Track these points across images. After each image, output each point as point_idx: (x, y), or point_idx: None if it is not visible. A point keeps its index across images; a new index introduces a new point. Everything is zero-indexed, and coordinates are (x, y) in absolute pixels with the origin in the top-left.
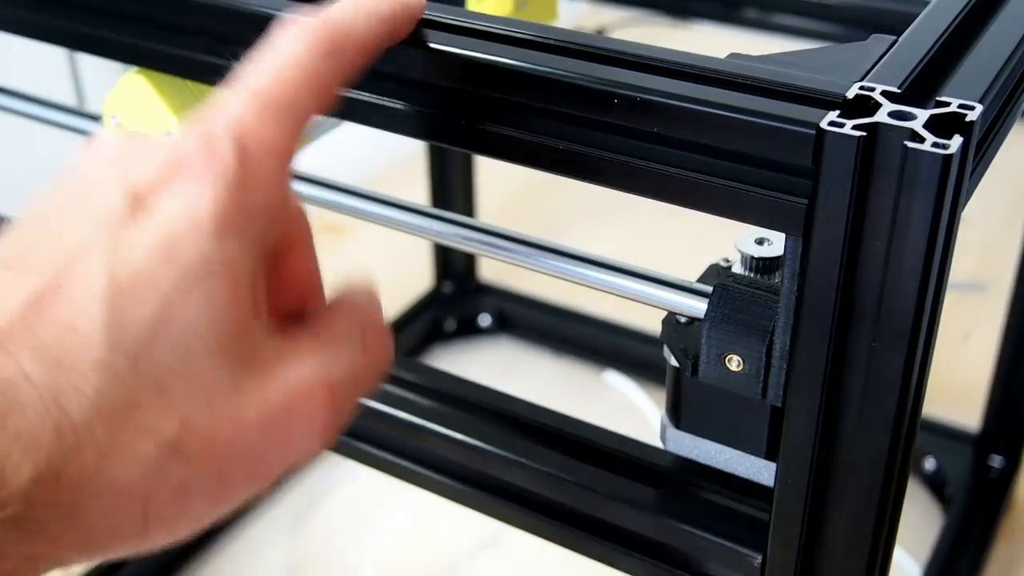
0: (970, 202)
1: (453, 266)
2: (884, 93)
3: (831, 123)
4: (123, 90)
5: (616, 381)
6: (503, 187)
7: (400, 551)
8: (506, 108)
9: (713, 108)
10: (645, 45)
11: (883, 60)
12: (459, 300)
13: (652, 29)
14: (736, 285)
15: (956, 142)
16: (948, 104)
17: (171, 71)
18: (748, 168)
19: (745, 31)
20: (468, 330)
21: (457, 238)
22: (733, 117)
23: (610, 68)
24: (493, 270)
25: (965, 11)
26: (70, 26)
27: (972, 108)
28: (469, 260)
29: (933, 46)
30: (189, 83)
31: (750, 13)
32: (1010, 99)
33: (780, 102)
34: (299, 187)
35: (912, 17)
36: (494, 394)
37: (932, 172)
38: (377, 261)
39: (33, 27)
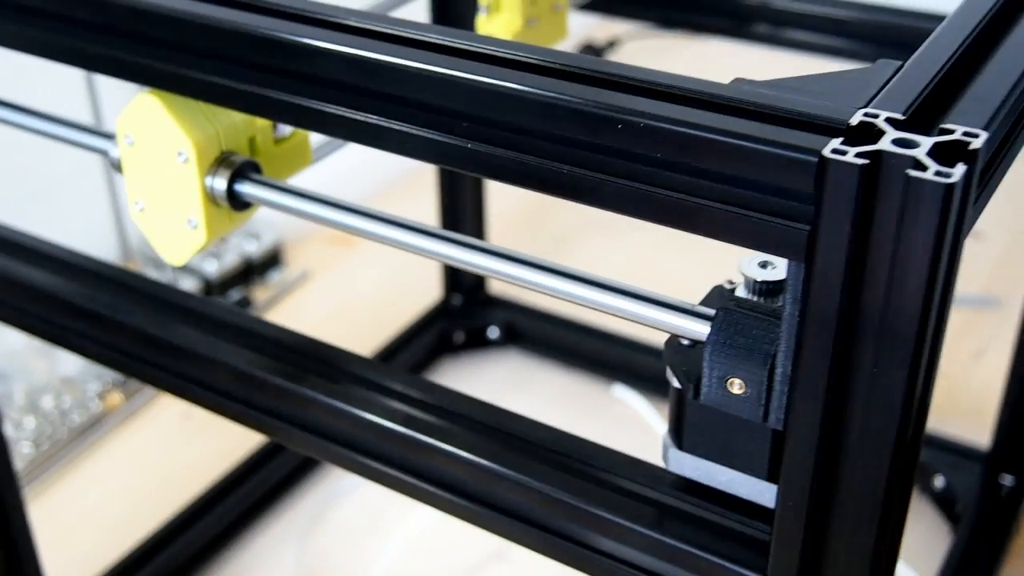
0: (985, 216)
1: (462, 279)
2: (888, 120)
3: (834, 151)
4: (136, 110)
5: (625, 395)
6: (516, 198)
7: (407, 563)
8: (510, 131)
9: (715, 135)
10: (649, 70)
11: (888, 86)
12: (468, 312)
13: (664, 42)
14: (738, 309)
15: (959, 171)
16: (952, 132)
17: (184, 93)
18: (751, 194)
19: (756, 46)
20: (477, 342)
21: (460, 260)
22: (736, 144)
23: (613, 93)
24: (502, 282)
25: (972, 36)
26: (84, 47)
27: (976, 136)
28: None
29: (939, 72)
30: (202, 105)
31: (761, 28)
32: (1016, 125)
33: (783, 129)
34: (304, 205)
35: (922, 33)
36: (497, 412)
37: (934, 201)
38: (385, 273)
39: (49, 47)
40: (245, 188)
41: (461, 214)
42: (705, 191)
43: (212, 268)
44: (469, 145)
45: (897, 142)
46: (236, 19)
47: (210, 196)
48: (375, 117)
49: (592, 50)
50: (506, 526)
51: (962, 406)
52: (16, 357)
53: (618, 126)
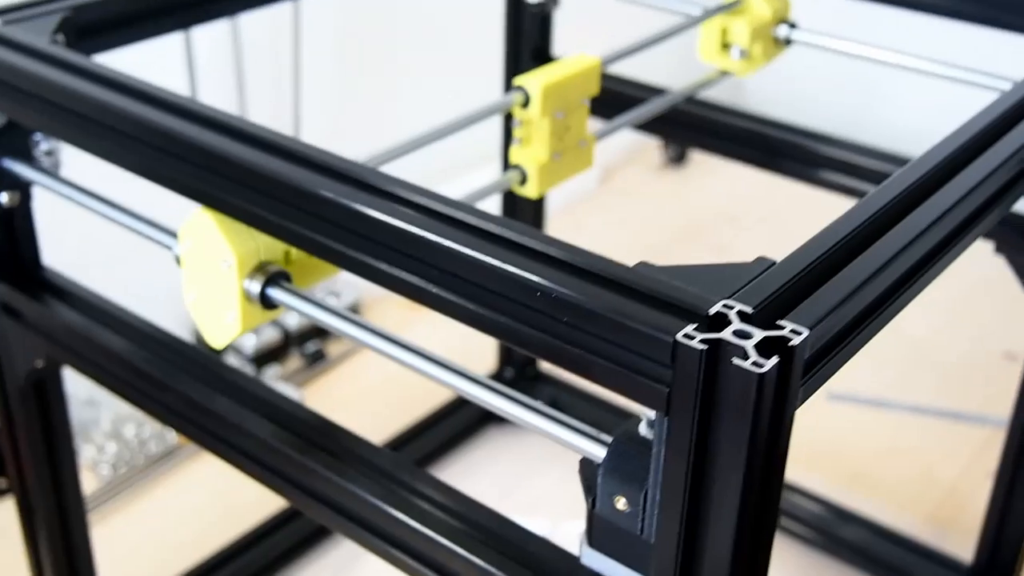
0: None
1: (514, 353)
2: (739, 312)
3: (684, 335)
4: (194, 222)
5: None
6: None
7: None
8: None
9: (606, 311)
10: (573, 248)
11: (754, 281)
12: (517, 386)
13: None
14: (630, 441)
15: (771, 363)
16: (783, 328)
17: (233, 216)
18: (633, 356)
19: (786, 179)
20: None
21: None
22: (619, 320)
23: (539, 265)
24: None
25: (842, 243)
26: (158, 168)
27: (799, 333)
28: None
29: (800, 274)
30: (249, 228)
31: (790, 164)
32: (858, 324)
33: (654, 312)
34: (318, 313)
35: None
36: (489, 514)
37: (750, 386)
38: (450, 339)
39: (134, 163)
40: (275, 293)
41: None
42: (599, 349)
43: (292, 321)
44: (471, 306)
45: (737, 333)
46: (283, 171)
47: (247, 297)
48: (393, 268)
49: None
50: None
51: (966, 523)
52: None
53: (537, 293)
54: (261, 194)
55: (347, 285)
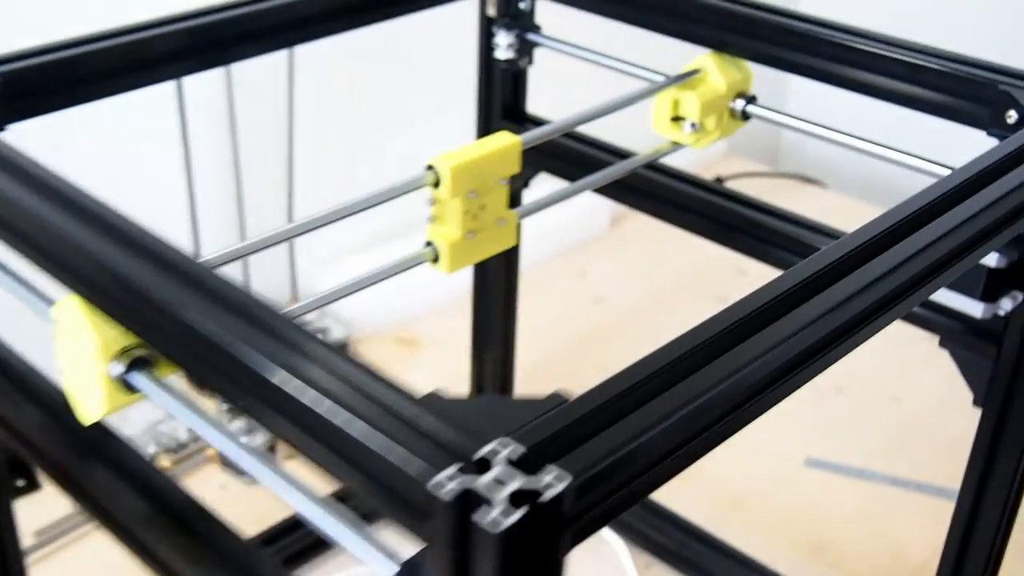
0: None
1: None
2: (505, 457)
3: (436, 482)
4: (65, 304)
5: (609, 537)
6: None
7: None
8: None
9: (371, 445)
10: (363, 370)
11: (531, 424)
12: None
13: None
14: (411, 571)
15: (511, 519)
16: (543, 477)
17: (96, 305)
18: (396, 494)
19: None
20: None
21: None
22: (381, 457)
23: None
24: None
25: (633, 388)
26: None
27: (552, 486)
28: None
29: (585, 416)
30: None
31: (743, 240)
32: (634, 478)
33: (421, 450)
34: (177, 408)
35: None
36: None
37: (490, 542)
38: (448, 375)
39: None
40: (137, 380)
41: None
42: (368, 475)
43: None
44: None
45: (492, 481)
46: (124, 266)
47: (110, 380)
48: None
49: None
50: None
51: None
52: None
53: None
54: (108, 290)
55: (337, 323)
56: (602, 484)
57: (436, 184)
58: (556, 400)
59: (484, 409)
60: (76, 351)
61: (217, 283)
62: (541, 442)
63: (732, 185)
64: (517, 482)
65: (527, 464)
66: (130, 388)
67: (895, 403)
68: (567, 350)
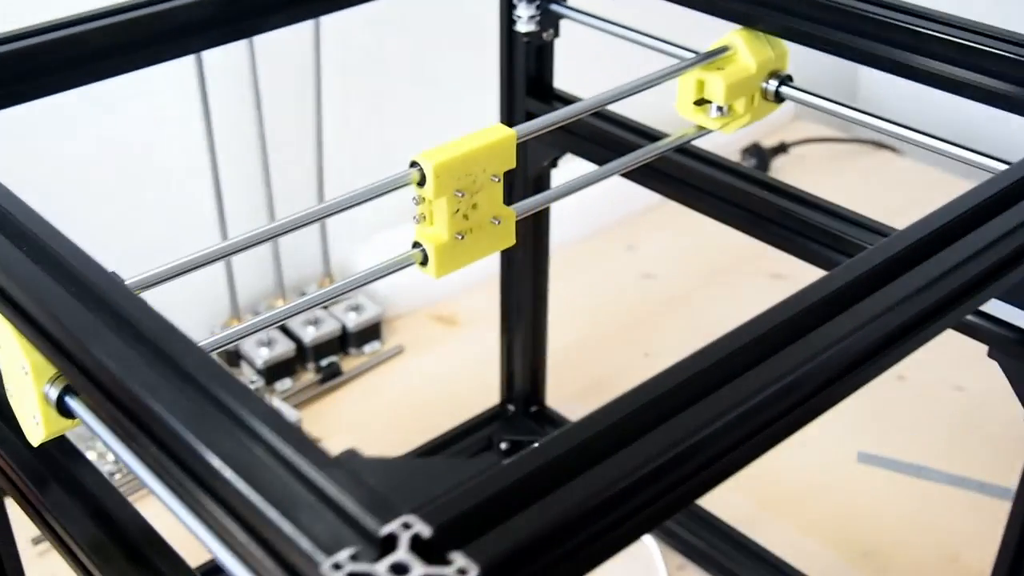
0: None
1: (517, 388)
2: (412, 535)
3: (333, 564)
4: (3, 325)
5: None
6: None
7: None
8: None
9: (268, 513)
10: (280, 424)
11: (446, 495)
12: (520, 421)
13: (834, 148)
14: None
15: None
16: (449, 563)
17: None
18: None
19: (922, 163)
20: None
21: None
22: (284, 531)
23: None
24: (559, 397)
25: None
26: None
27: (466, 572)
28: (535, 383)
29: (511, 487)
30: None
31: (776, 230)
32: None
33: (308, 528)
34: (105, 434)
35: None
36: None
37: None
38: (485, 353)
39: None
40: (72, 404)
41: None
42: (264, 544)
43: (309, 334)
44: None
45: (395, 566)
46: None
47: (47, 402)
48: None
49: (759, 152)
50: None
51: None
52: None
53: None
54: (27, 313)
55: (370, 300)
56: (535, 562)
57: (421, 182)
58: (487, 461)
59: (404, 473)
60: (13, 374)
61: (135, 314)
62: (451, 520)
63: (798, 151)
64: (417, 572)
65: (433, 548)
66: (63, 413)
67: (959, 392)
68: (611, 331)
